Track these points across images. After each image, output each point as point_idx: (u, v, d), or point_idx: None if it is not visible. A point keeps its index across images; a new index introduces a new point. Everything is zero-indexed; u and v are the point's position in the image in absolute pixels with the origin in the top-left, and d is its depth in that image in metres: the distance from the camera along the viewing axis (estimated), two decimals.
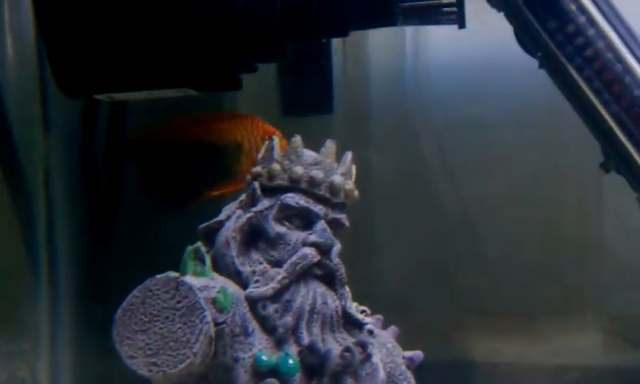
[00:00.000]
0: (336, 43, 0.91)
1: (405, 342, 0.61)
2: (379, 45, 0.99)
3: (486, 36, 0.82)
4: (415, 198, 0.99)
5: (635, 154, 0.66)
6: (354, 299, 0.60)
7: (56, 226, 0.85)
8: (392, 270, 0.98)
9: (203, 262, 0.51)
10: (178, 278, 0.49)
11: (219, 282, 0.51)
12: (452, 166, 0.99)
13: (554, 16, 0.66)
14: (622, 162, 0.67)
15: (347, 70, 0.96)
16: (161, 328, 0.48)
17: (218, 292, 0.50)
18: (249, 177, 0.59)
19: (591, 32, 0.65)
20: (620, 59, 0.65)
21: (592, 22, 0.65)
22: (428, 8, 0.63)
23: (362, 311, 0.60)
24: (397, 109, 0.99)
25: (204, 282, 0.50)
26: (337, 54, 0.92)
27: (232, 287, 0.52)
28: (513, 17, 0.67)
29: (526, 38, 0.68)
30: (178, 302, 0.48)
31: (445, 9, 0.63)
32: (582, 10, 0.66)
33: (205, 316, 0.48)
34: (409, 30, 0.99)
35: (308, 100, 0.86)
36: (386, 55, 1.00)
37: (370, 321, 0.60)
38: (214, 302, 0.49)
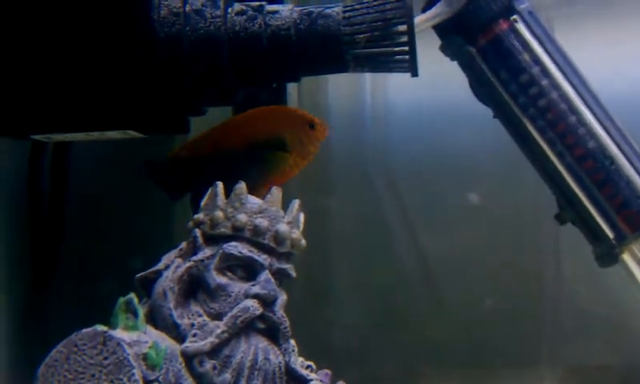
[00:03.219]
0: (293, 88, 0.90)
1: None
2: (338, 90, 0.99)
3: (445, 82, 0.82)
4: (374, 245, 0.99)
5: (589, 206, 0.66)
6: (309, 351, 0.58)
7: None
8: (349, 319, 0.97)
9: (135, 314, 0.48)
10: (105, 332, 0.46)
11: (152, 336, 0.49)
12: (410, 213, 0.98)
13: (508, 66, 0.65)
14: (577, 214, 0.67)
15: None
16: None
17: (150, 347, 0.47)
18: (190, 223, 0.57)
19: (545, 82, 0.65)
20: (574, 110, 0.65)
21: (545, 72, 0.65)
22: (380, 55, 0.62)
23: (308, 366, 0.57)
24: (356, 155, 0.98)
25: (135, 337, 0.47)
26: (294, 98, 0.91)
27: (166, 342, 0.49)
28: (466, 66, 0.67)
29: (479, 87, 0.67)
30: (105, 358, 0.45)
31: (397, 56, 0.62)
32: (536, 60, 0.65)
33: (133, 373, 0.45)
34: (368, 76, 0.99)
35: None
36: (344, 100, 1.00)
37: (316, 377, 0.57)
38: (145, 357, 0.47)
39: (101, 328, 0.46)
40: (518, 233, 0.93)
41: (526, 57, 0.65)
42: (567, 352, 0.92)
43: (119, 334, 0.47)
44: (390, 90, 0.99)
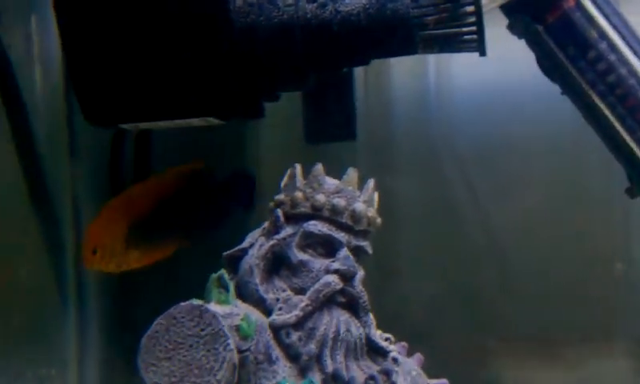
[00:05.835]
0: (359, 70, 0.92)
1: (431, 369, 0.61)
2: (403, 71, 1.00)
3: (509, 61, 0.82)
4: (440, 223, 0.99)
5: None
6: (379, 326, 0.60)
7: None
8: (417, 296, 0.98)
9: (227, 289, 0.52)
10: (201, 305, 0.49)
11: (243, 309, 0.52)
12: (477, 190, 0.98)
13: (575, 43, 0.66)
14: None
15: (371, 96, 0.96)
16: (185, 355, 0.48)
17: (242, 319, 0.50)
18: (271, 204, 0.60)
19: (613, 58, 0.65)
20: None
21: (613, 47, 0.66)
22: (448, 36, 0.64)
23: (386, 339, 0.60)
24: (420, 134, 0.99)
25: (227, 310, 0.50)
26: (360, 80, 0.93)
27: (256, 314, 0.53)
28: (534, 44, 0.68)
29: (547, 64, 0.68)
30: (202, 329, 0.49)
31: (465, 37, 0.64)
32: (603, 36, 0.66)
33: (228, 344, 0.48)
34: (432, 56, 1.00)
35: (331, 127, 0.87)
36: (409, 81, 1.01)
37: (395, 348, 0.60)
38: (237, 329, 0.50)
39: (197, 302, 0.50)
40: (588, 208, 0.93)
41: (593, 33, 0.65)
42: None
43: (213, 307, 0.50)
44: (454, 68, 0.99)
